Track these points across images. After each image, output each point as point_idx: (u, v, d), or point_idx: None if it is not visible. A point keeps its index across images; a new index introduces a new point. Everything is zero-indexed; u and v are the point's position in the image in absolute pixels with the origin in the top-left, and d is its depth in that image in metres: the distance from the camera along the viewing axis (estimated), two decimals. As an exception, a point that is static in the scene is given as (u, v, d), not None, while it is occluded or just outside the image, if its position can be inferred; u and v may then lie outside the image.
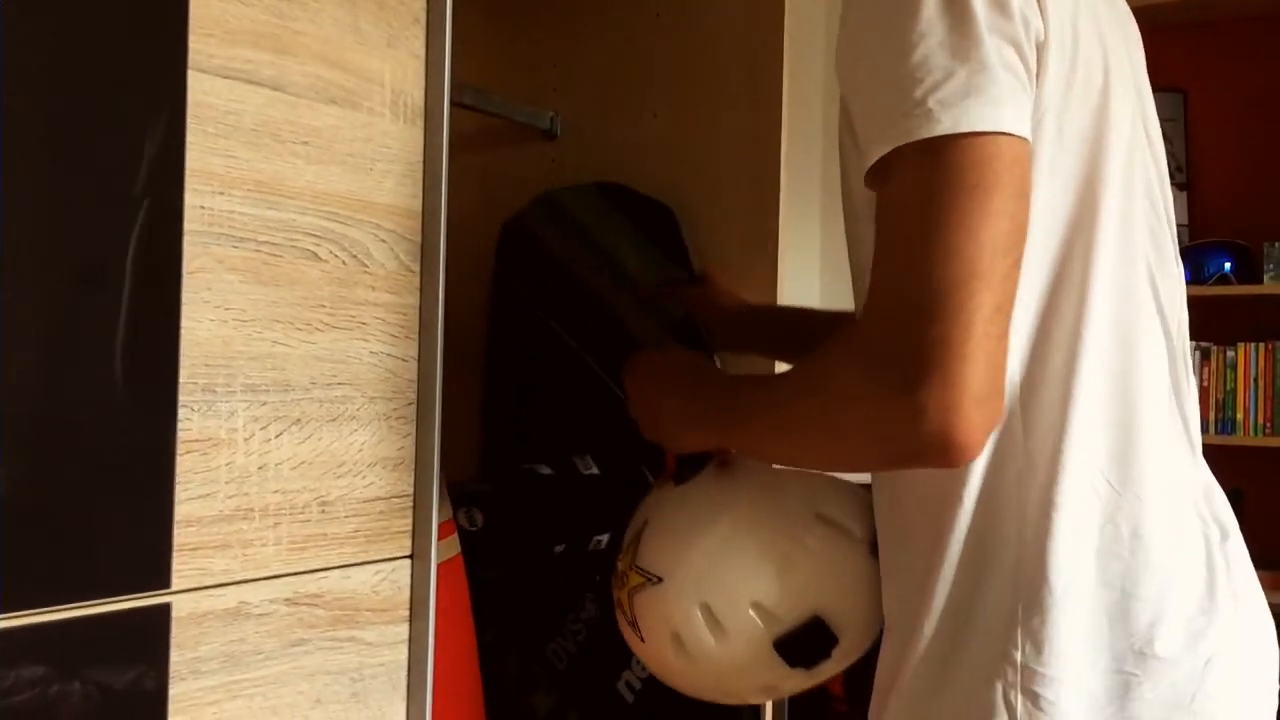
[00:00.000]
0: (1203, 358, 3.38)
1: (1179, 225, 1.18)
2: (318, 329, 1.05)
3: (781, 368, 1.48)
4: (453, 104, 1.17)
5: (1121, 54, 1.06)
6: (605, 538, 1.54)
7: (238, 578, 0.99)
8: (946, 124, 0.87)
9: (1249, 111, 3.46)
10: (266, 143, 1.01)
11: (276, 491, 1.02)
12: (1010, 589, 0.98)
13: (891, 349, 0.88)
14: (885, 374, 0.88)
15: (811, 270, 2.78)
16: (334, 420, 1.07)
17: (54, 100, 0.86)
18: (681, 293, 1.62)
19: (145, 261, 0.91)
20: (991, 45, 0.89)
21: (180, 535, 0.94)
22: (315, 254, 1.05)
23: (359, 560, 1.10)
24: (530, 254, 1.80)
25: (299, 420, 1.04)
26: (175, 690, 0.94)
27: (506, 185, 1.85)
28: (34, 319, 0.85)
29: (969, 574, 0.99)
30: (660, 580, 1.13)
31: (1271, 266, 3.32)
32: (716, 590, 1.11)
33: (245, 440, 0.99)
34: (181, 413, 0.94)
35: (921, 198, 0.88)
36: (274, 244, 1.01)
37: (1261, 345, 3.36)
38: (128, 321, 0.90)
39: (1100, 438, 0.99)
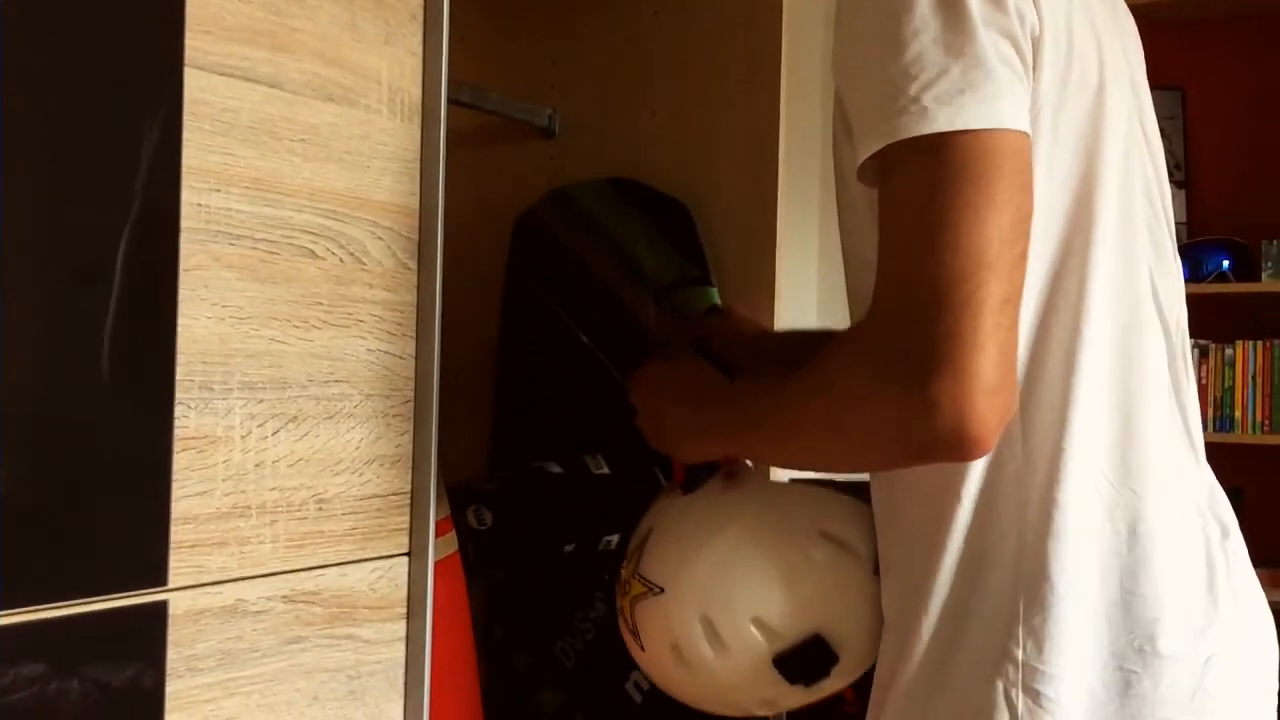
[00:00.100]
0: (1201, 356, 3.38)
1: (1177, 223, 1.18)
2: (315, 326, 1.05)
3: None
4: (450, 101, 1.17)
5: (1117, 50, 1.06)
6: (615, 538, 1.53)
7: (235, 575, 0.99)
8: (942, 121, 0.87)
9: (1247, 110, 3.46)
10: (264, 140, 1.00)
11: (274, 489, 1.02)
12: (1011, 587, 0.98)
13: (900, 344, 0.87)
14: (895, 369, 0.87)
15: (810, 267, 2.78)
16: (331, 418, 1.07)
17: (50, 98, 0.86)
18: (702, 324, 1.59)
19: (142, 259, 0.91)
20: (987, 40, 0.89)
21: (177, 533, 0.94)
22: (312, 251, 1.05)
23: (356, 558, 1.10)
24: (543, 248, 1.78)
25: (296, 418, 1.04)
26: (172, 687, 0.94)
27: (505, 183, 1.85)
28: (30, 317, 0.85)
29: (968, 572, 0.99)
30: (662, 590, 1.13)
31: (1269, 264, 3.32)
32: (718, 603, 1.10)
33: (242, 438, 0.99)
34: (178, 410, 0.94)
35: (923, 193, 0.88)
36: (271, 241, 1.01)
37: (1260, 343, 3.36)
38: (125, 319, 0.90)
39: (1101, 436, 0.99)
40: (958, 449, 0.87)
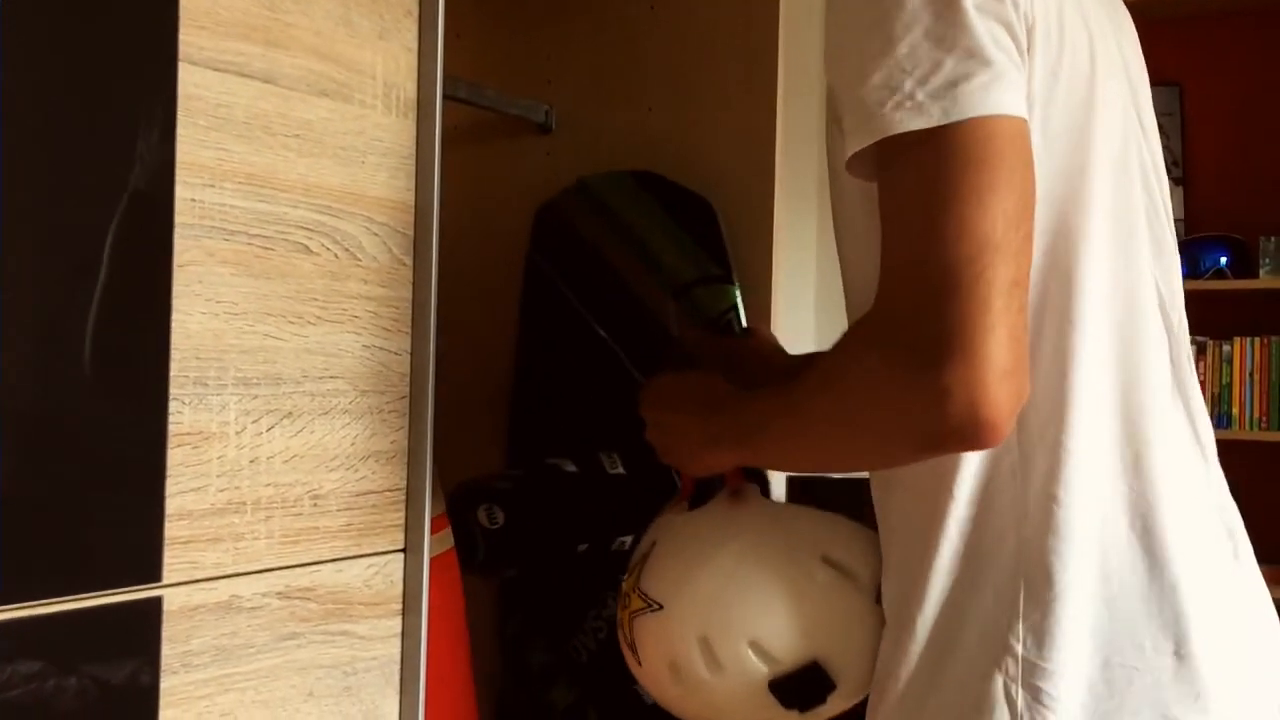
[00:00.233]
0: (1198, 352, 3.38)
1: (1174, 220, 1.17)
2: (310, 322, 1.05)
3: None
4: (447, 97, 1.17)
5: (1110, 41, 1.05)
6: (629, 539, 1.51)
7: (229, 571, 0.99)
8: (937, 114, 0.86)
9: (1245, 106, 3.46)
10: (258, 135, 1.00)
11: (268, 485, 1.02)
12: (1010, 583, 0.97)
13: (908, 332, 0.86)
14: (904, 358, 0.86)
15: (807, 264, 2.78)
16: (326, 414, 1.07)
17: (44, 94, 0.86)
18: (724, 344, 1.54)
19: (136, 254, 0.91)
20: (982, 28, 0.88)
21: (172, 529, 0.94)
22: (307, 247, 1.05)
23: (351, 554, 1.10)
24: (563, 240, 1.76)
25: (291, 414, 1.04)
26: (167, 683, 0.94)
27: (502, 179, 1.84)
28: (24, 313, 0.85)
29: (964, 567, 0.99)
30: (661, 607, 1.12)
31: (1267, 260, 3.32)
32: (716, 625, 1.09)
33: (237, 434, 0.99)
34: (173, 406, 0.94)
35: (925, 182, 0.87)
36: (266, 237, 1.01)
37: (1257, 339, 3.36)
38: (119, 315, 0.90)
39: (1101, 430, 0.98)
40: (972, 436, 0.85)
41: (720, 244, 1.66)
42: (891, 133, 0.88)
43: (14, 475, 0.84)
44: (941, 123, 0.86)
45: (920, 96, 0.87)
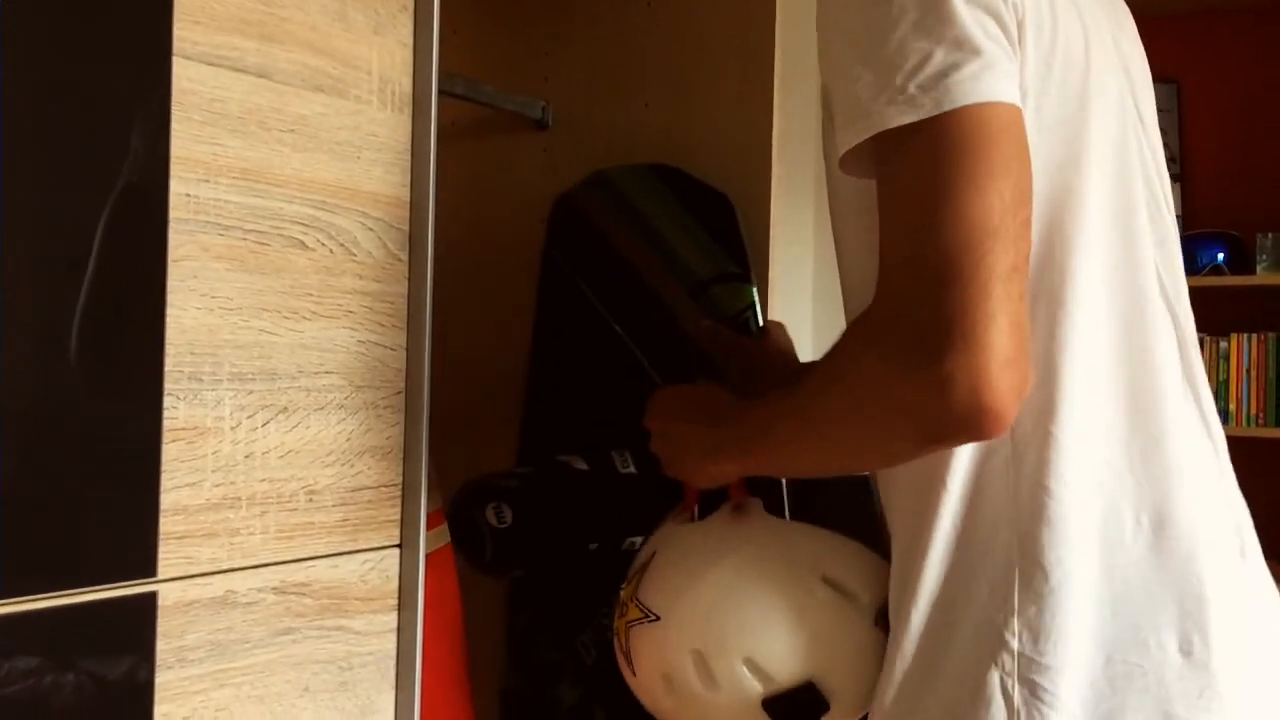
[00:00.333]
0: (1196, 348, 3.38)
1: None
2: (305, 317, 1.05)
3: None
4: (443, 93, 1.16)
5: (1105, 32, 1.05)
6: (639, 539, 1.50)
7: (225, 566, 0.99)
8: (929, 106, 0.86)
9: (1242, 102, 3.46)
10: (253, 130, 1.00)
11: (264, 480, 1.01)
12: (1004, 576, 0.97)
13: (908, 323, 0.85)
14: (905, 349, 0.85)
15: (805, 261, 2.78)
16: (321, 409, 1.07)
17: (39, 89, 0.85)
18: (739, 344, 1.53)
19: (130, 249, 0.91)
20: (970, 18, 0.88)
21: (167, 524, 0.94)
22: (302, 242, 1.05)
23: (347, 549, 1.10)
24: (580, 233, 1.74)
25: (286, 409, 1.04)
26: (162, 679, 0.94)
27: (498, 175, 1.84)
28: (18, 309, 0.84)
29: (958, 560, 0.98)
30: (657, 618, 1.12)
31: (1264, 257, 3.32)
32: (711, 640, 1.08)
33: (232, 429, 0.99)
34: (167, 401, 0.94)
35: (920, 173, 0.87)
36: (261, 232, 1.01)
37: (1254, 336, 3.37)
38: (113, 310, 0.90)
39: (1102, 421, 0.97)
40: (976, 426, 0.85)
41: (739, 241, 1.63)
42: (884, 127, 0.88)
43: (8, 471, 0.84)
44: (934, 113, 0.86)
45: (911, 89, 0.87)
